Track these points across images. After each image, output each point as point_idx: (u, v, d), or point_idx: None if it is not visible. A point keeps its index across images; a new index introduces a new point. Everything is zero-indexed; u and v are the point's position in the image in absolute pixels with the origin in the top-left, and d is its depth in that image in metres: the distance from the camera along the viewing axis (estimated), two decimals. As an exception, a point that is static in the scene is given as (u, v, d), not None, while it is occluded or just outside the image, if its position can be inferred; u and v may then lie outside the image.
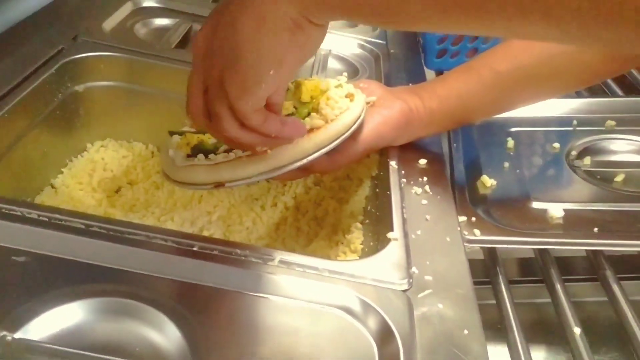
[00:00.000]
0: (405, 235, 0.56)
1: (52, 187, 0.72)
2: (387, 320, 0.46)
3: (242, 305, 0.46)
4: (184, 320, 0.43)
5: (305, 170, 0.58)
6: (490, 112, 0.72)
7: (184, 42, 0.87)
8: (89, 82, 0.75)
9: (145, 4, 0.92)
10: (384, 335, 0.45)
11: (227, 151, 0.55)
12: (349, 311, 0.47)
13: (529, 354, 0.54)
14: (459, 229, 0.59)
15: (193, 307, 0.45)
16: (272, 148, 0.53)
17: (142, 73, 0.77)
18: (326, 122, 0.57)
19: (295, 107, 0.59)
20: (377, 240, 0.61)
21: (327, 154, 0.57)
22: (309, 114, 0.58)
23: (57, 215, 0.49)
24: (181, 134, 0.59)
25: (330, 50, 0.92)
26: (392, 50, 0.95)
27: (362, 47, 0.95)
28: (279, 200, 0.78)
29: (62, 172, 0.74)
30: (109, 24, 0.83)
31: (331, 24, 1.00)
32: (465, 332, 0.47)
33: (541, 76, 0.65)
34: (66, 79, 0.72)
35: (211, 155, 0.55)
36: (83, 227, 0.49)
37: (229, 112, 0.47)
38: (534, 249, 0.66)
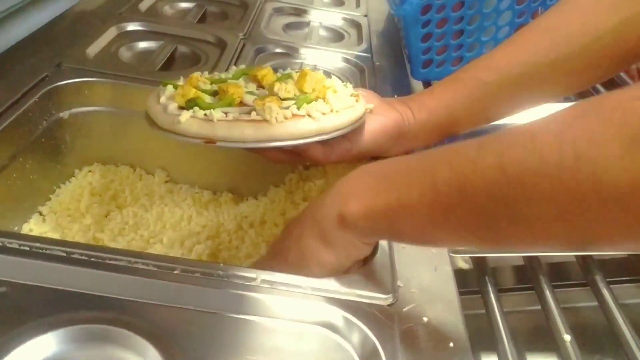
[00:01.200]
0: (390, 248, 0.56)
1: (40, 214, 0.72)
2: (371, 337, 0.45)
3: (224, 327, 0.46)
4: (166, 345, 0.43)
5: (295, 154, 0.58)
6: (478, 123, 0.72)
7: (168, 64, 0.88)
8: (73, 108, 0.76)
9: (130, 28, 0.92)
10: (368, 352, 0.45)
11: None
12: (332, 328, 0.47)
13: (520, 363, 0.54)
14: (444, 240, 0.58)
15: (174, 330, 0.44)
16: None
17: (127, 97, 0.77)
18: (331, 111, 0.57)
19: (295, 95, 0.59)
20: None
21: (322, 145, 0.57)
22: (313, 100, 0.57)
23: (38, 244, 0.49)
24: (176, 86, 0.58)
25: (315, 66, 0.92)
26: (377, 63, 0.96)
27: (346, 60, 0.95)
28: (267, 217, 0.78)
29: (49, 199, 0.74)
30: (93, 49, 0.83)
31: (316, 40, 1.00)
32: (451, 345, 0.47)
33: (527, 86, 0.65)
34: (50, 106, 0.73)
35: (208, 112, 0.53)
36: (64, 254, 0.49)
37: None
38: (523, 257, 0.66)
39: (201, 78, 0.61)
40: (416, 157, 0.50)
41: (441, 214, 0.43)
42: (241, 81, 0.62)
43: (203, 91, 0.59)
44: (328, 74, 0.67)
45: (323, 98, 0.58)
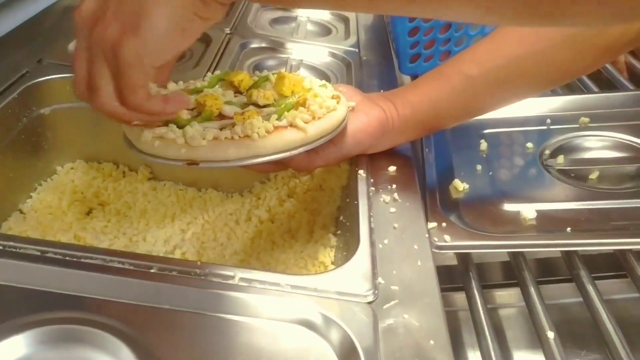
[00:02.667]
0: (372, 245, 0.55)
1: (21, 212, 0.71)
2: (350, 334, 0.45)
3: (201, 327, 0.45)
4: (140, 345, 0.42)
5: (282, 164, 0.57)
6: (462, 117, 0.72)
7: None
8: (54, 104, 0.75)
9: (113, 23, 0.91)
10: (347, 350, 0.44)
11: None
12: (311, 327, 0.46)
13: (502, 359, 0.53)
14: (427, 236, 0.58)
15: (150, 330, 0.44)
16: (149, 126, 0.51)
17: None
18: (313, 118, 0.56)
19: (274, 100, 0.58)
20: (347, 251, 0.61)
21: (306, 153, 0.56)
22: (294, 108, 0.56)
23: (11, 243, 0.48)
24: None
25: (301, 60, 0.91)
26: (364, 58, 0.95)
27: (333, 55, 0.94)
28: (252, 214, 0.77)
29: (30, 197, 0.73)
30: (74, 45, 0.82)
31: (303, 34, 0.99)
32: (432, 342, 0.46)
33: (511, 79, 0.64)
34: (30, 102, 0.72)
35: (187, 128, 0.52)
36: (38, 253, 0.48)
37: (112, 84, 0.44)
38: (508, 254, 0.65)
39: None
40: None
41: None
42: (217, 89, 0.61)
43: None
44: (319, 73, 0.66)
45: (303, 104, 0.57)
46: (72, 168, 0.78)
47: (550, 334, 0.54)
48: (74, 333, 0.43)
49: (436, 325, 0.48)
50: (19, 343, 0.41)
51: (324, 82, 0.64)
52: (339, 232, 0.68)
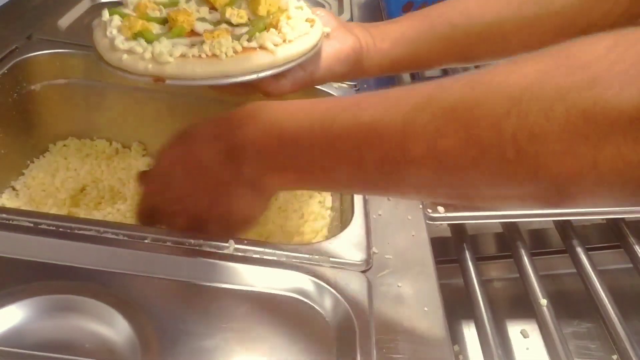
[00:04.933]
0: (367, 215, 0.55)
1: (14, 189, 0.71)
2: (344, 302, 0.45)
3: (196, 296, 0.45)
4: (134, 313, 0.42)
5: (250, 87, 0.56)
6: (439, 63, 0.71)
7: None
8: (45, 80, 0.74)
9: (104, 0, 0.90)
10: (341, 317, 0.44)
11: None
12: (305, 295, 0.46)
13: (497, 330, 0.54)
14: (421, 207, 0.58)
15: (144, 299, 0.44)
16: None
17: (100, 69, 0.74)
18: (284, 41, 0.54)
19: (249, 19, 0.57)
20: (342, 222, 0.61)
21: (274, 76, 0.55)
22: (265, 29, 0.55)
23: (3, 215, 0.48)
24: (123, 15, 0.55)
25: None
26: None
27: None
28: (247, 189, 0.77)
29: (23, 174, 0.73)
30: (65, 21, 0.81)
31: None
32: (425, 309, 0.46)
33: (492, 36, 0.64)
34: (21, 79, 0.71)
35: (155, 44, 0.51)
36: (31, 225, 0.48)
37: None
38: (501, 224, 0.65)
39: (150, 4, 0.58)
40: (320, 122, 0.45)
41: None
42: (192, 4, 0.59)
43: (152, 19, 0.56)
44: None
45: (276, 25, 0.56)
46: (64, 145, 0.78)
47: (544, 302, 0.55)
48: (69, 302, 0.43)
49: (430, 293, 0.48)
50: (13, 312, 0.41)
51: (301, 3, 0.62)
52: (334, 204, 0.68)
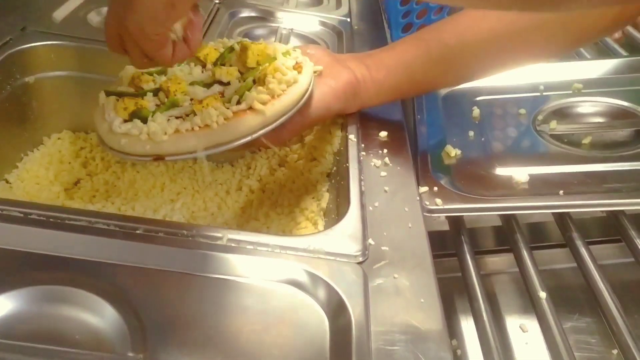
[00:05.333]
0: (363, 207, 0.54)
1: (7, 182, 0.70)
2: (339, 292, 0.44)
3: (188, 286, 0.44)
4: (124, 304, 0.41)
5: (249, 145, 0.56)
6: (438, 85, 0.71)
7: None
8: (39, 72, 0.73)
9: (99, -8, 0.89)
10: (336, 308, 0.44)
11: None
12: (300, 286, 0.45)
13: (495, 324, 0.53)
14: (418, 199, 0.57)
15: (135, 290, 0.43)
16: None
17: (95, 61, 0.75)
18: (273, 97, 0.55)
19: (240, 72, 0.57)
20: (337, 214, 0.60)
21: (272, 130, 0.55)
22: (252, 87, 0.56)
23: (-7, 205, 0.47)
24: (119, 95, 0.56)
25: (291, 29, 0.90)
26: (356, 27, 0.93)
27: (323, 24, 0.93)
28: (243, 184, 0.76)
29: (17, 167, 0.72)
30: (60, 13, 0.80)
31: (294, 3, 0.97)
32: (422, 300, 0.46)
33: (487, 53, 0.65)
34: (14, 71, 0.70)
35: (149, 123, 0.52)
36: (21, 215, 0.47)
37: (137, 48, 0.50)
38: (500, 218, 0.65)
39: (143, 77, 0.59)
40: None
41: None
42: (185, 65, 0.60)
43: (146, 91, 0.57)
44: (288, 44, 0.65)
45: (263, 81, 0.56)
46: (59, 138, 0.77)
47: (543, 294, 0.54)
48: (58, 293, 0.42)
49: (427, 284, 0.47)
50: (2, 303, 0.40)
51: (289, 47, 0.62)
52: (329, 197, 0.67)
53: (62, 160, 0.75)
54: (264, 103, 0.54)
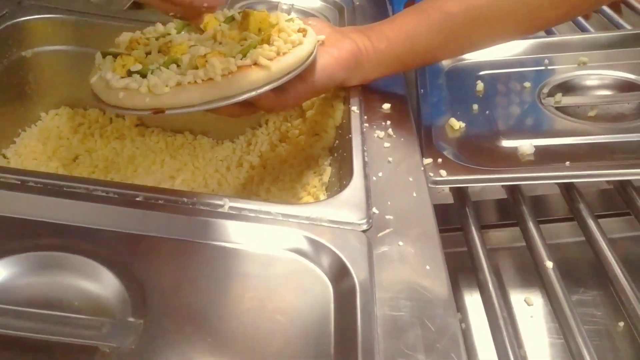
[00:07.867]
0: (366, 177, 0.53)
1: (4, 157, 0.69)
2: (343, 259, 0.43)
3: (189, 253, 0.43)
4: (124, 270, 0.41)
5: (250, 105, 0.55)
6: (440, 56, 0.70)
7: (138, 4, 0.83)
8: (36, 46, 0.72)
9: (97, -32, 0.88)
10: (340, 274, 0.43)
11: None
12: (302, 253, 0.45)
13: (501, 296, 0.52)
14: (422, 169, 0.56)
15: (135, 256, 0.42)
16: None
17: (93, 35, 0.74)
18: (278, 54, 0.53)
19: (244, 39, 0.56)
20: (340, 185, 0.59)
21: (275, 91, 0.54)
22: (256, 46, 0.54)
23: (-10, 173, 0.46)
24: (115, 55, 0.55)
25: (292, 5, 0.88)
26: (357, 2, 0.92)
27: None
28: (244, 160, 0.75)
29: (14, 142, 0.71)
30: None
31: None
32: (427, 267, 0.45)
33: (489, 20, 0.63)
34: (11, 44, 0.69)
35: (150, 76, 0.50)
36: (18, 182, 0.46)
37: None
38: (505, 190, 0.64)
39: (141, 39, 0.58)
40: None
41: None
42: (184, 34, 0.59)
43: (145, 53, 0.56)
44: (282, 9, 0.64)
45: (268, 40, 0.55)
46: (56, 114, 0.76)
47: (550, 264, 0.53)
48: (56, 259, 0.41)
49: (432, 251, 0.46)
50: (3, 267, 0.39)
51: (291, 16, 0.61)
52: (331, 171, 0.66)
53: (61, 136, 0.74)
54: (269, 59, 0.53)
